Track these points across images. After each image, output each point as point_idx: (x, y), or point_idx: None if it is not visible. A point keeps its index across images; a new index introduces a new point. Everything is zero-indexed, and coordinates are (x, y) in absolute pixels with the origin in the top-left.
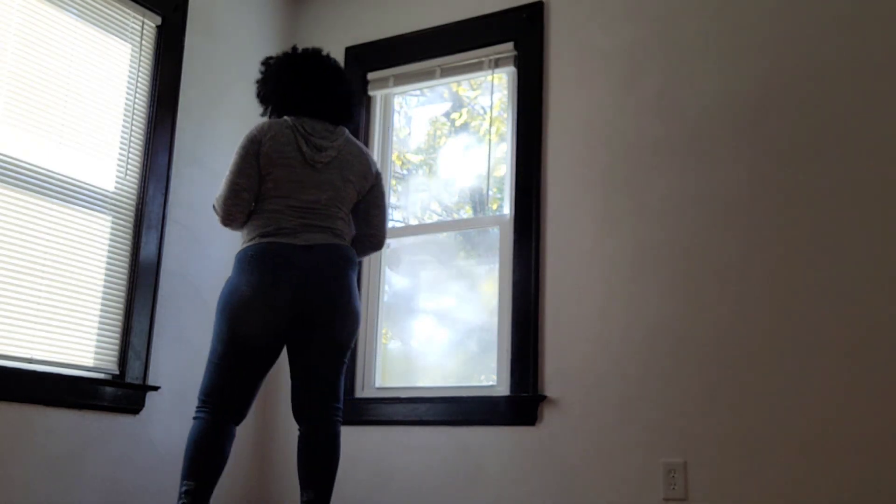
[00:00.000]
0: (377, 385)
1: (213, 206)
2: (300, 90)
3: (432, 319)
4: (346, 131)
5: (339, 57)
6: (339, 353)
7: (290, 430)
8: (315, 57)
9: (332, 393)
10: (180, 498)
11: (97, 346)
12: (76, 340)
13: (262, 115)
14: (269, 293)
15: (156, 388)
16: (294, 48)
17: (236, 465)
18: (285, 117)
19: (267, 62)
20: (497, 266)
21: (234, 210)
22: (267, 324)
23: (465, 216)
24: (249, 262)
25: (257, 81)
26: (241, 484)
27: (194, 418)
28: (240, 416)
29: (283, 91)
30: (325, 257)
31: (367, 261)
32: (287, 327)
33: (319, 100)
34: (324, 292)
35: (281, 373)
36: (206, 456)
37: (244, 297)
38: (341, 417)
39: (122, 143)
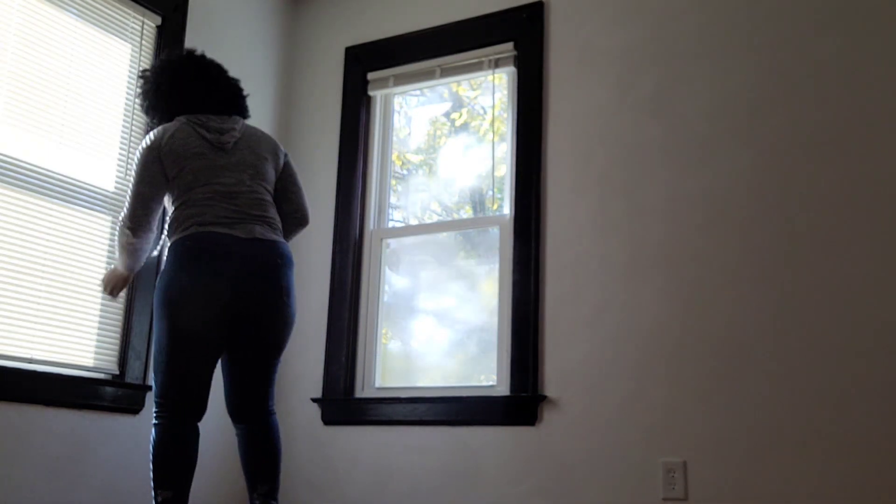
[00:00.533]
0: (377, 385)
1: (121, 225)
2: (184, 90)
3: (432, 319)
4: (241, 120)
5: (338, 57)
6: (277, 353)
7: (287, 430)
8: (190, 57)
9: (271, 392)
10: None
11: (97, 346)
12: (76, 340)
13: (151, 124)
14: (210, 284)
15: None
16: (168, 54)
17: (234, 465)
18: (176, 118)
19: (144, 75)
20: (497, 266)
21: (144, 220)
22: (208, 316)
23: (465, 216)
24: (188, 252)
25: (138, 95)
26: (241, 484)
27: (155, 424)
28: (200, 411)
29: (165, 96)
30: (266, 253)
31: (368, 261)
32: (228, 321)
33: (206, 94)
34: (265, 291)
35: (280, 375)
36: (177, 461)
37: (184, 288)
38: (276, 411)
39: (122, 143)
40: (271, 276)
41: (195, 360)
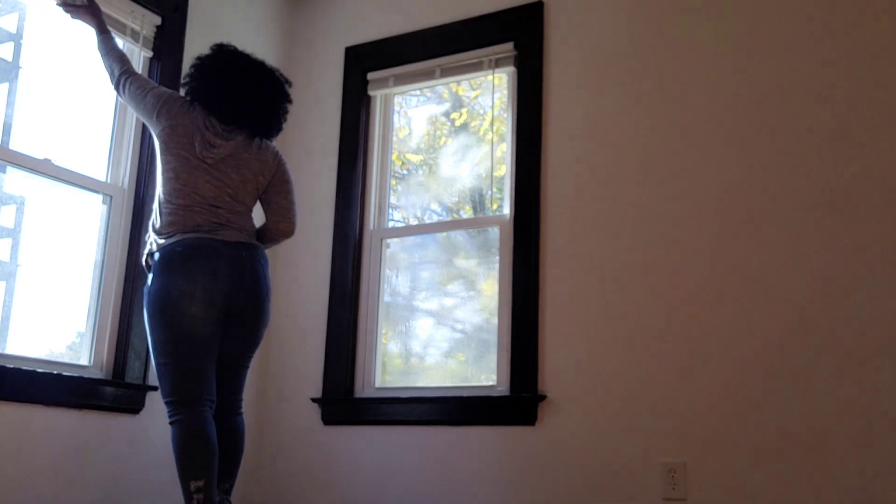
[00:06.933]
0: (377, 385)
1: (119, 73)
2: (207, 90)
3: (432, 319)
4: (241, 138)
5: (338, 57)
6: (254, 350)
7: (287, 430)
8: (236, 63)
9: (242, 386)
10: (192, 498)
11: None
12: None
13: (182, 84)
14: (208, 285)
15: (155, 388)
16: (229, 49)
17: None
18: (198, 104)
19: (219, 46)
20: (497, 266)
21: (120, 94)
22: (208, 315)
23: (465, 216)
24: (180, 257)
25: (200, 57)
26: (241, 483)
27: (172, 423)
28: (212, 402)
29: (189, 86)
30: (250, 257)
31: (367, 261)
32: (221, 319)
33: (220, 102)
34: (252, 291)
35: (280, 375)
36: (202, 452)
37: (184, 291)
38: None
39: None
40: (257, 278)
41: (199, 358)
